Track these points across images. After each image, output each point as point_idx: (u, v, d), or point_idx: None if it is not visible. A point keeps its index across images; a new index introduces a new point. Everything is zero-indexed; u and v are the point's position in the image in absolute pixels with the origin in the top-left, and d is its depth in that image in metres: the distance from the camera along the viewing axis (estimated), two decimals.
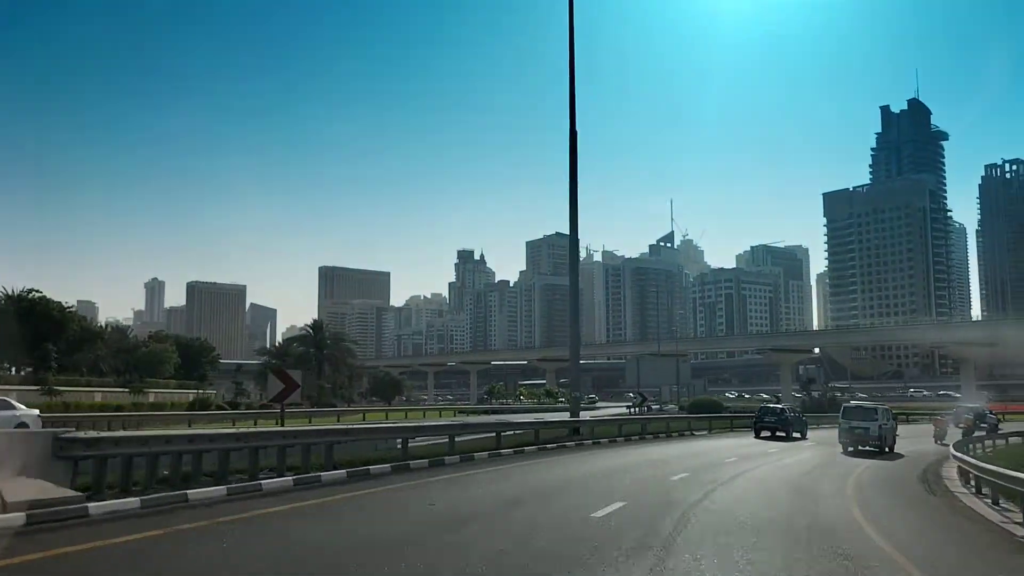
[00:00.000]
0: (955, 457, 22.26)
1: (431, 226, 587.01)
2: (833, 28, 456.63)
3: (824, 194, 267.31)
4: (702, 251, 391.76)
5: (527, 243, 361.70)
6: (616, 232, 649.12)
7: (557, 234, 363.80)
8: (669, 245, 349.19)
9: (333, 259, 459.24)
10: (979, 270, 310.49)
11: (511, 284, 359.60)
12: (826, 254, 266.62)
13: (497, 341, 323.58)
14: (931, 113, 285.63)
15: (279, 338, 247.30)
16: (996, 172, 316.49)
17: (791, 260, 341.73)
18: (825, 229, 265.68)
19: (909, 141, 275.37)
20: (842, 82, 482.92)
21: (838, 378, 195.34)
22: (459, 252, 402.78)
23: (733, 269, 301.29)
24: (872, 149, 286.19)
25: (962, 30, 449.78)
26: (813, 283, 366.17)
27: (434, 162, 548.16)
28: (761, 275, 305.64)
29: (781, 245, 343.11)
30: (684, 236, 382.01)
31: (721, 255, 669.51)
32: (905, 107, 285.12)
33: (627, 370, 72.73)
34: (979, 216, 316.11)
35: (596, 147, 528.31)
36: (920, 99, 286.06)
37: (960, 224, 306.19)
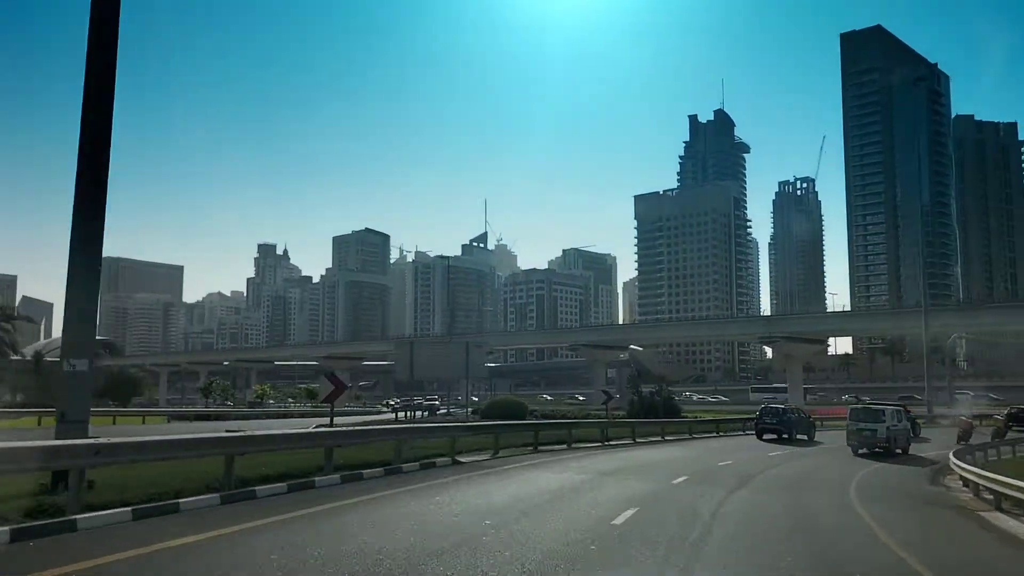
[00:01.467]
0: (955, 466, 19.70)
1: (234, 218, 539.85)
2: (654, 37, 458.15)
3: (635, 196, 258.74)
4: (516, 256, 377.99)
5: (334, 238, 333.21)
6: (434, 234, 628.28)
7: (367, 230, 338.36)
8: (482, 246, 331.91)
9: (120, 250, 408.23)
10: (770, 282, 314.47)
11: (314, 281, 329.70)
12: (636, 256, 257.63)
13: (296, 340, 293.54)
14: (735, 125, 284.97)
15: (55, 334, 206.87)
16: (788, 189, 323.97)
17: (601, 265, 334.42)
18: (636, 231, 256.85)
19: (714, 151, 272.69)
20: (663, 90, 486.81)
21: (645, 382, 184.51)
22: (260, 246, 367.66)
23: (545, 270, 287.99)
24: (680, 157, 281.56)
25: (764, 47, 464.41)
26: (620, 290, 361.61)
27: (238, 152, 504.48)
28: (572, 278, 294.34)
29: (592, 250, 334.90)
30: (499, 240, 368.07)
31: (537, 260, 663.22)
32: (712, 118, 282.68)
33: (396, 361, 50.53)
34: (772, 230, 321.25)
35: (417, 150, 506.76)
36: (725, 110, 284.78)
37: (753, 238, 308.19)
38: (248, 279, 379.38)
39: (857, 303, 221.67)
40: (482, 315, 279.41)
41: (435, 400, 64.66)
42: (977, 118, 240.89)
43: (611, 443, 32.17)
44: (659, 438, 36.98)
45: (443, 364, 49.22)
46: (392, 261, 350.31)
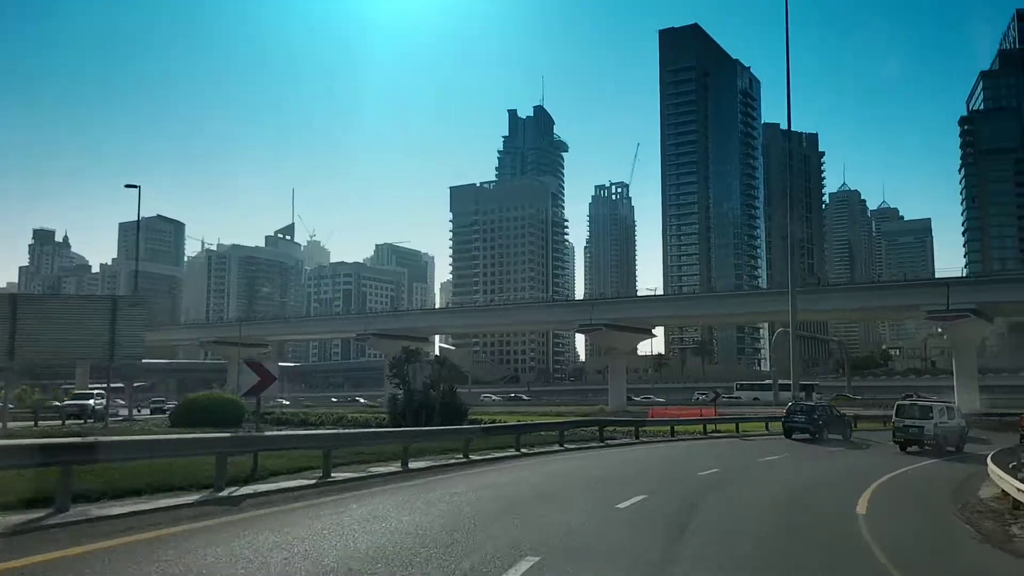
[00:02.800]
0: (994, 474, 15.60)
1: (8, 203, 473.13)
2: (474, 30, 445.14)
3: (451, 188, 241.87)
4: (329, 252, 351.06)
5: (120, 224, 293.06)
6: (245, 228, 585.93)
7: (159, 217, 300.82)
8: (288, 238, 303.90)
9: None
10: (584, 285, 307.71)
11: (93, 270, 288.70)
12: (451, 251, 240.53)
13: None
14: (554, 123, 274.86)
15: None
16: (604, 193, 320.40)
17: (416, 262, 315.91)
18: (451, 224, 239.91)
19: (533, 148, 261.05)
20: (484, 86, 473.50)
21: (457, 382, 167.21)
22: (36, 231, 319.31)
23: (353, 264, 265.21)
24: (499, 152, 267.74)
25: (585, 42, 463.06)
26: (437, 291, 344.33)
27: (14, 131, 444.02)
28: (384, 273, 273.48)
29: (408, 246, 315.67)
30: (311, 237, 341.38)
31: (354, 258, 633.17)
32: (532, 114, 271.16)
33: None
34: (588, 233, 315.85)
35: (225, 139, 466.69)
36: (545, 107, 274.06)
37: (570, 242, 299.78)
38: (21, 268, 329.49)
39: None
40: (283, 308, 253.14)
41: (90, 397, 41.95)
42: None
43: (261, 487, 13.16)
44: (398, 466, 18.13)
45: (66, 336, 28.41)
46: (194, 254, 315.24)
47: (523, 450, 24.85)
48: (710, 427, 39.60)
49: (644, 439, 34.83)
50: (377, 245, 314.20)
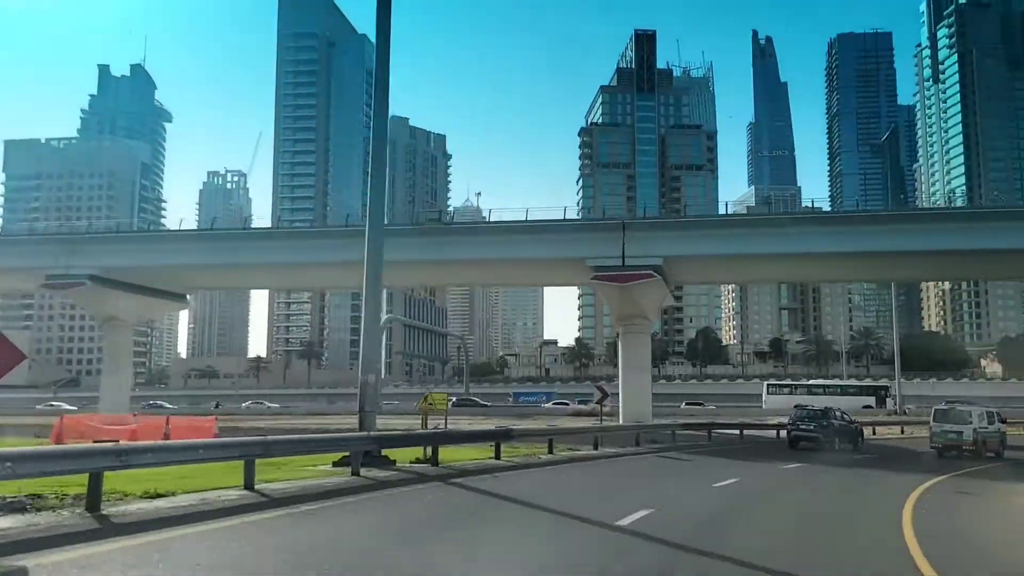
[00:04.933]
0: None
1: None
2: None
3: (7, 141, 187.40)
4: None
5: None
6: None
7: None
8: None
9: None
10: None
11: None
12: (2, 219, 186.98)
13: None
14: (156, 87, 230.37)
15: None
16: (218, 180, 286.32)
17: None
18: (3, 188, 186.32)
19: (128, 112, 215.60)
20: (72, 36, 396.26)
21: None
22: None
23: None
24: (83, 111, 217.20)
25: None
26: None
27: None
28: None
29: None
30: None
31: None
32: (128, 73, 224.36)
33: None
34: (197, 225, 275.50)
35: None
36: (147, 68, 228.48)
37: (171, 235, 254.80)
38: None
39: (277, 320, 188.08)
40: None
41: None
42: (411, 122, 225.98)
43: None
44: None
45: None
46: None
47: None
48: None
49: None
50: None
